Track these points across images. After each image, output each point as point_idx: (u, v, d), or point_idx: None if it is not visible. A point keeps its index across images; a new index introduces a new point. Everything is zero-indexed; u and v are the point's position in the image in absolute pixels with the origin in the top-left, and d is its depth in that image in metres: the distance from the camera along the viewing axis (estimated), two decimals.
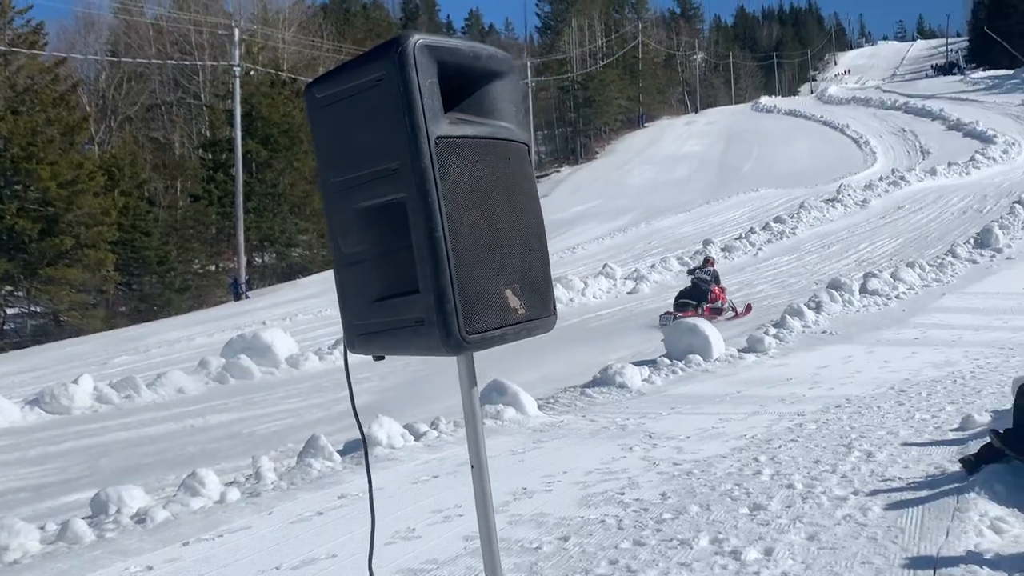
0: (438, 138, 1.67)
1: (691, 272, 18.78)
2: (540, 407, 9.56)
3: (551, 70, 79.68)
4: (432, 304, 1.66)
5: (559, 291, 20.47)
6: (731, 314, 17.80)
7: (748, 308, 18.10)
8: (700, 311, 17.07)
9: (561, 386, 11.19)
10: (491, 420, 8.86)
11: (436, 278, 1.65)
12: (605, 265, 23.41)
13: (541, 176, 70.21)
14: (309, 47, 57.95)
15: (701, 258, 21.11)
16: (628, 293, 21.71)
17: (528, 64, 71.57)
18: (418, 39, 1.67)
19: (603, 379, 10.96)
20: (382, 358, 1.87)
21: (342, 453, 7.69)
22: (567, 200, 55.53)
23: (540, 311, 1.88)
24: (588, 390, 10.70)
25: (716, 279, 18.39)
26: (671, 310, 17.62)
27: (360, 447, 8.15)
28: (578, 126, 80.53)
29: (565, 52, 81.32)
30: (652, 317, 17.86)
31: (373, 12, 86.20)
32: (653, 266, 24.17)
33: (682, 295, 18.12)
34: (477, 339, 1.71)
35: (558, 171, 73.89)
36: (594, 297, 21.03)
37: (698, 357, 12.19)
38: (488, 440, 8.26)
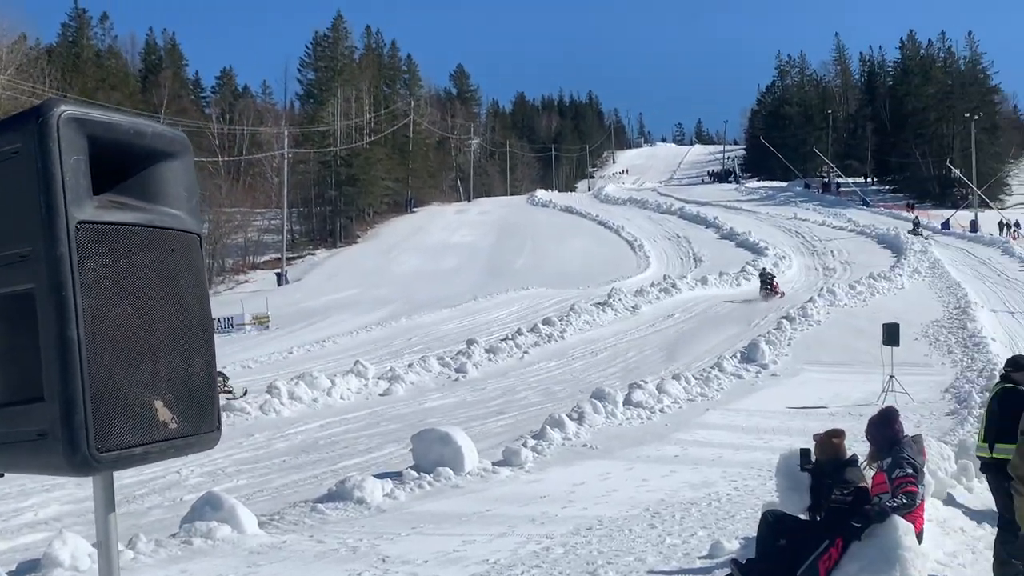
0: (80, 223, 1.61)
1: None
2: (261, 524, 9.23)
3: (312, 142, 79.60)
4: (57, 414, 1.57)
5: (302, 389, 20.07)
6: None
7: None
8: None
9: (290, 500, 10.89)
10: (201, 539, 8.44)
11: (64, 383, 1.57)
12: (357, 362, 23.21)
13: (293, 258, 69.39)
14: (29, 94, 55.03)
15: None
16: (381, 394, 21.59)
17: (286, 133, 71.19)
18: (64, 110, 1.62)
19: (339, 493, 10.76)
20: (1, 475, 1.75)
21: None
22: (321, 286, 55.06)
23: (197, 426, 1.82)
24: (321, 505, 10.46)
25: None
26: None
27: (37, 568, 7.55)
28: (339, 205, 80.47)
29: (329, 124, 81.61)
30: (405, 422, 17.82)
31: (108, 60, 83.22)
32: (411, 365, 24.20)
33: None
34: (111, 458, 1.63)
35: (313, 254, 73.36)
36: (342, 398, 20.74)
37: (448, 470, 12.22)
38: (193, 564, 7.88)
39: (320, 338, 31.91)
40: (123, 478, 12.48)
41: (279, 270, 62.94)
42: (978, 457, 8.31)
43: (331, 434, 16.91)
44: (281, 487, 12.26)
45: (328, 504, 10.51)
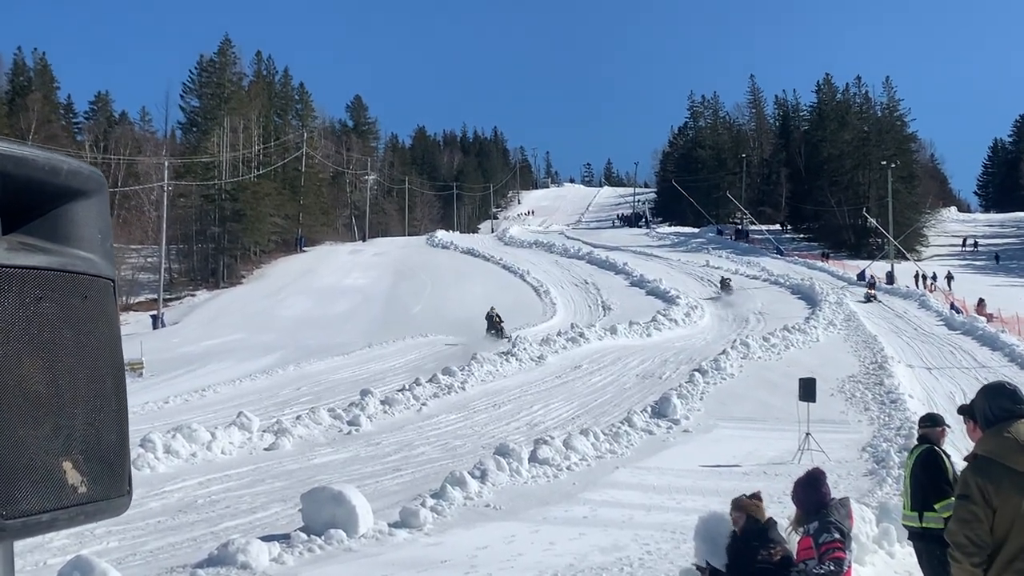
0: None
1: None
2: None
3: (194, 174, 78.56)
4: None
5: (179, 442, 19.64)
6: None
7: None
8: None
9: (166, 565, 10.61)
10: None
11: None
12: (240, 413, 22.79)
13: (171, 299, 68.15)
14: None
15: None
16: (266, 449, 21.23)
17: (166, 165, 70.10)
18: None
19: (220, 557, 10.54)
20: None
21: None
22: (201, 331, 54.11)
23: (108, 489, 1.77)
24: (200, 571, 10.24)
25: None
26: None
27: None
28: (223, 243, 79.40)
29: (213, 155, 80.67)
30: (293, 479, 17.55)
31: None
32: (299, 417, 23.85)
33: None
34: (16, 526, 1.56)
35: (193, 295, 72.16)
36: (223, 452, 20.33)
37: (341, 532, 12.08)
38: None
39: (199, 387, 31.29)
40: None
41: (155, 312, 61.65)
42: (905, 526, 8.48)
43: (211, 492, 16.55)
44: (156, 550, 11.94)
45: (208, 569, 10.28)
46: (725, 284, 58.09)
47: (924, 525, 7.72)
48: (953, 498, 7.50)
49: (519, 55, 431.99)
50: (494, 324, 42.10)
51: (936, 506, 7.64)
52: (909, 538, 8.37)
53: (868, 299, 53.36)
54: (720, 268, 67.79)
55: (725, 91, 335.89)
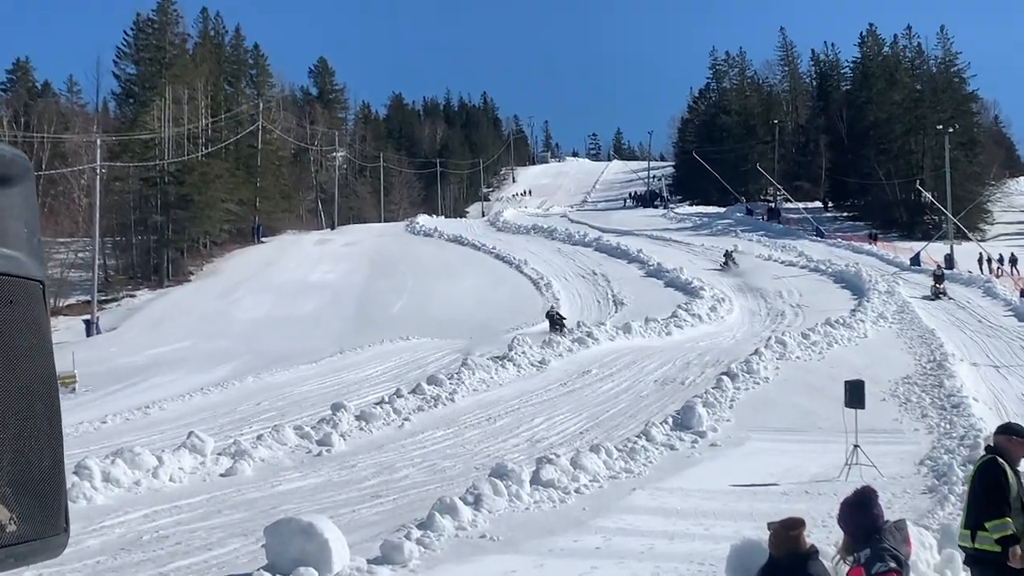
0: None
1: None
2: None
3: (131, 153, 78.35)
4: None
5: (120, 469, 19.61)
6: None
7: None
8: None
9: None
10: None
11: None
12: (191, 434, 22.78)
13: (107, 301, 68.07)
14: None
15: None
16: (223, 475, 21.20)
17: (99, 142, 69.97)
18: None
19: None
20: None
21: None
22: (144, 338, 54.04)
23: (42, 527, 1.78)
24: None
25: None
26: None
27: None
28: (166, 234, 79.30)
29: (154, 131, 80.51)
30: (254, 510, 17.55)
31: None
32: (261, 437, 23.83)
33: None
34: None
35: (132, 296, 72.03)
36: (172, 480, 20.31)
37: (312, 571, 12.08)
38: None
39: (143, 403, 31.24)
40: None
41: (88, 316, 61.52)
42: (960, 547, 8.47)
43: (159, 526, 16.53)
44: None
45: None
46: (729, 257, 63.98)
47: (976, 546, 7.70)
48: (1008, 518, 7.50)
49: (510, 7, 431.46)
50: (556, 322, 43.83)
51: (987, 525, 7.61)
52: (965, 562, 8.34)
53: (936, 295, 50.70)
54: (751, 254, 67.85)
55: (752, 47, 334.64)
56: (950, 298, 49.92)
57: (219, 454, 22.15)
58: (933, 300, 49.78)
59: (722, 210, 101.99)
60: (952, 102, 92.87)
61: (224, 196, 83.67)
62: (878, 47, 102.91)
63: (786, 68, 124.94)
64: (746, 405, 28.39)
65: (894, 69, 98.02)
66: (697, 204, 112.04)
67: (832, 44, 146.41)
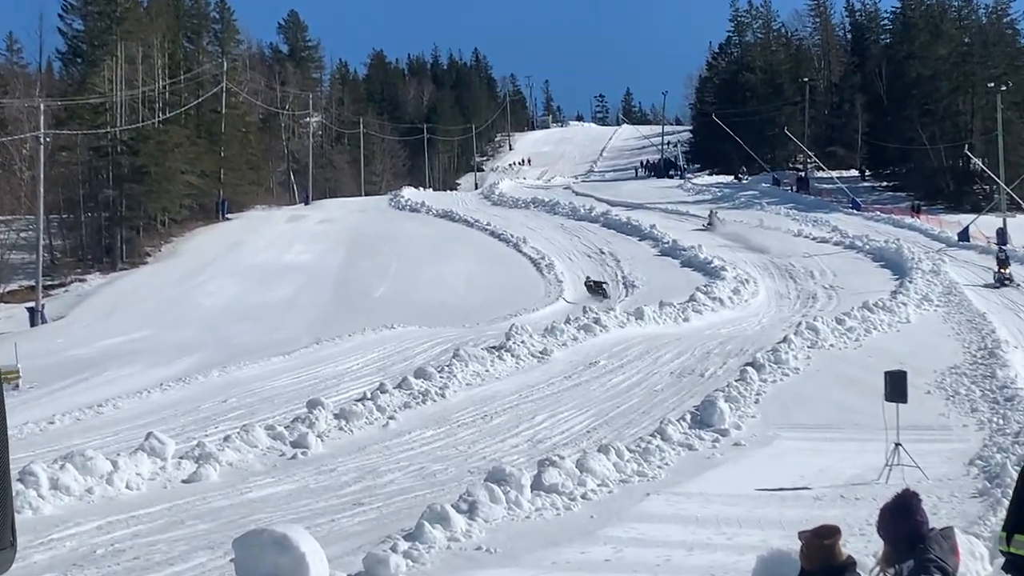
0: None
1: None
2: None
3: (80, 120, 78.15)
4: None
5: (70, 475, 19.62)
6: None
7: None
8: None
9: None
10: None
11: None
12: (150, 435, 22.79)
13: (54, 286, 68.05)
14: None
15: None
16: (185, 481, 21.23)
17: (41, 108, 69.76)
18: None
19: None
20: None
21: None
22: (95, 327, 54.06)
23: None
24: None
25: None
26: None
27: None
28: (120, 211, 79.09)
29: (104, 94, 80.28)
30: (221, 520, 17.58)
31: None
32: (228, 438, 23.85)
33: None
34: None
35: (82, 280, 71.94)
36: (128, 487, 20.32)
37: None
38: None
39: (95, 401, 31.23)
40: None
41: (32, 304, 61.49)
42: (999, 550, 8.45)
43: (114, 539, 16.57)
44: None
45: None
46: (712, 215, 73.38)
47: (1012, 550, 7.68)
48: None
49: None
50: (596, 290, 49.82)
51: None
52: (1003, 567, 8.32)
53: (1001, 281, 48.64)
54: (778, 229, 68.15)
55: None
56: (1017, 284, 48.31)
57: (181, 458, 22.16)
58: (997, 288, 48.16)
59: (745, 179, 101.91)
60: (1005, 56, 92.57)
61: (184, 167, 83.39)
62: None
63: (817, 19, 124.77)
64: (773, 399, 28.40)
65: (939, 20, 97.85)
66: (717, 173, 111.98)
67: None
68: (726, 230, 68.36)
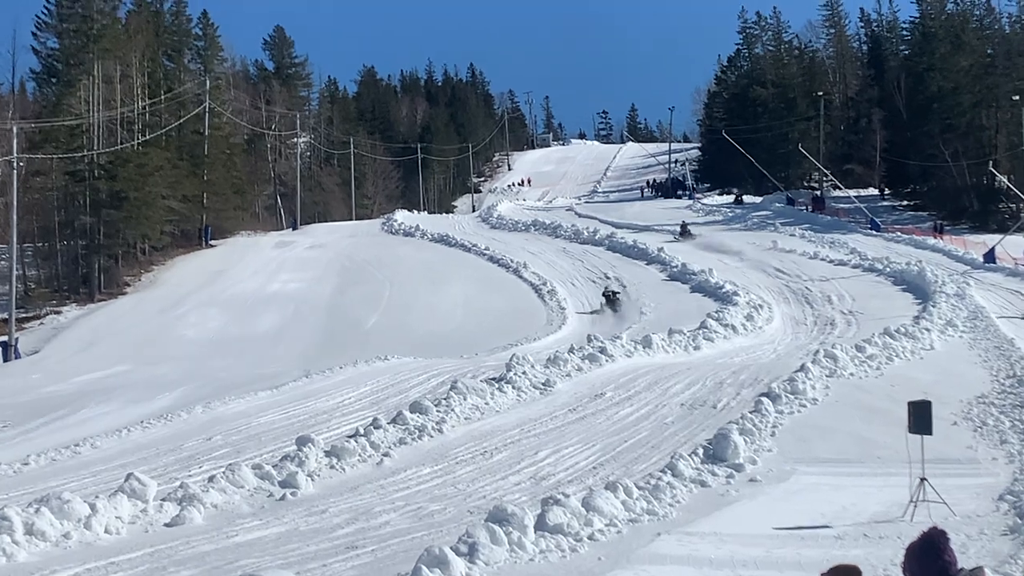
0: None
1: None
2: None
3: (55, 143, 78.25)
4: None
5: (45, 519, 19.59)
6: None
7: None
8: None
9: None
10: None
11: None
12: (130, 476, 22.75)
13: (28, 319, 68.09)
14: None
15: None
16: (168, 524, 21.18)
17: (14, 131, 69.87)
18: None
19: None
20: None
21: None
22: (72, 363, 54.01)
23: None
24: None
25: None
26: None
27: None
28: (97, 238, 79.12)
29: (81, 116, 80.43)
30: (206, 566, 17.56)
31: None
32: (212, 479, 23.81)
33: None
34: None
35: (58, 312, 71.94)
36: (107, 531, 20.28)
37: None
38: None
39: (71, 440, 31.17)
40: None
41: (5, 338, 61.58)
42: None
43: None
44: None
45: None
46: (684, 229, 77.62)
47: None
48: None
49: None
50: (613, 299, 52.38)
51: None
52: None
53: None
54: (793, 251, 68.07)
55: (790, 6, 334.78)
56: None
57: (163, 500, 22.11)
58: None
59: (758, 199, 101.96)
60: None
61: (165, 192, 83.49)
62: (941, 4, 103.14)
63: (832, 31, 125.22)
64: (791, 432, 28.32)
65: (960, 29, 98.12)
66: (728, 192, 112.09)
67: (888, 2, 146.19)
68: (702, 241, 72.60)
